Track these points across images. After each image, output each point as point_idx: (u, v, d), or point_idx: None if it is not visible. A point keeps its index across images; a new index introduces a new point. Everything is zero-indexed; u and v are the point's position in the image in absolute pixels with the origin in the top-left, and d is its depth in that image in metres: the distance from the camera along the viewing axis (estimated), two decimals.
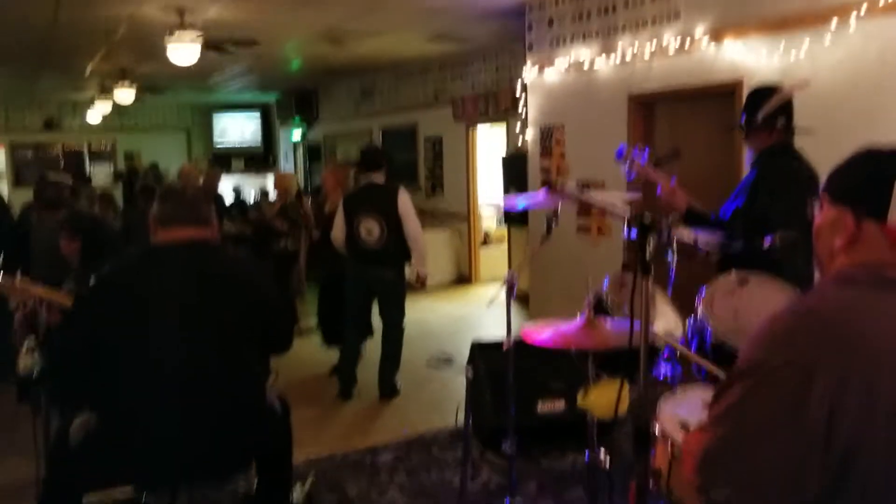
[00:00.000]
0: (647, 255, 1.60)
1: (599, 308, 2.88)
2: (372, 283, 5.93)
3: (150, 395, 2.61)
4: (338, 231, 5.94)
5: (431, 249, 7.03)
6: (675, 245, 1.68)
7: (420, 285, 6.09)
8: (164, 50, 7.59)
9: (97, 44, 9.10)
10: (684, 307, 3.06)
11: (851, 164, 1.60)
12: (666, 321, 2.91)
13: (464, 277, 11.21)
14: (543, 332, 2.53)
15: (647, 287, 1.59)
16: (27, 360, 3.16)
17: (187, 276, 2.65)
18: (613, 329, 2.53)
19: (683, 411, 2.30)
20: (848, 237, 1.53)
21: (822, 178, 3.51)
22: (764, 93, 3.69)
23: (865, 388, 1.34)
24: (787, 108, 3.61)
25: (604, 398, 2.57)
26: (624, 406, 2.07)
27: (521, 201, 2.94)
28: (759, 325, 1.56)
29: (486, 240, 11.56)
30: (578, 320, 2.61)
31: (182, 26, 7.31)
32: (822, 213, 1.63)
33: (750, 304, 2.87)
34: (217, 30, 8.01)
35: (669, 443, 2.15)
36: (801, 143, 3.72)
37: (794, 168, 3.53)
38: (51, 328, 3.17)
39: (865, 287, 1.48)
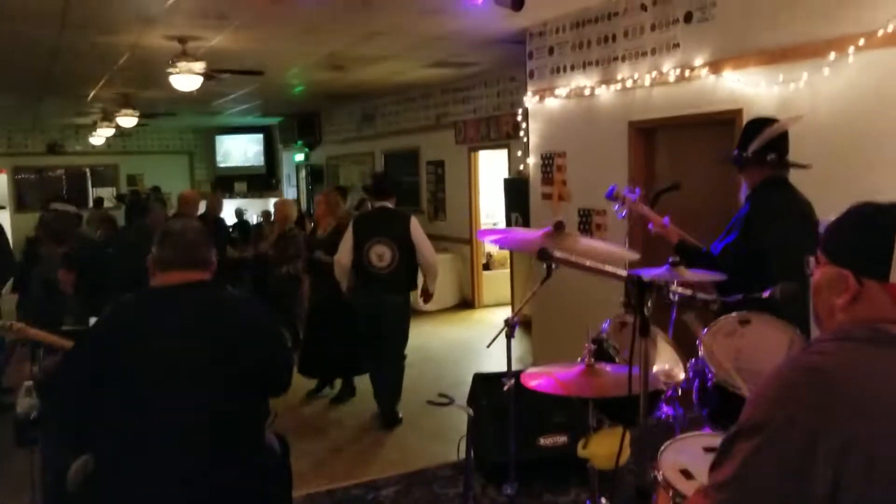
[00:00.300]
0: (646, 313, 1.59)
1: (601, 350, 2.86)
2: (379, 308, 5.91)
3: (148, 438, 2.59)
4: (344, 255, 5.90)
5: None
6: (674, 298, 1.68)
7: (424, 301, 6.25)
8: (166, 77, 7.63)
9: (100, 71, 9.15)
10: (685, 347, 3.05)
11: (848, 222, 1.58)
12: (666, 362, 2.89)
13: (466, 302, 11.20)
14: (543, 379, 2.51)
15: (645, 347, 1.58)
16: (25, 401, 3.14)
17: (186, 319, 2.64)
18: (613, 374, 2.50)
19: (685, 458, 2.28)
20: (850, 297, 1.52)
21: (819, 209, 3.53)
22: (757, 126, 3.66)
23: (868, 452, 1.33)
24: (779, 142, 3.56)
25: (604, 448, 2.55)
26: (625, 457, 2.04)
27: (494, 237, 2.91)
28: (761, 382, 1.54)
29: (489, 263, 11.56)
30: (578, 366, 2.59)
31: (184, 54, 7.35)
32: (821, 271, 1.61)
33: (751, 344, 2.86)
34: (220, 58, 8.06)
35: (671, 490, 2.14)
36: (799, 172, 3.70)
37: (788, 202, 3.50)
38: (47, 371, 3.17)
39: (867, 344, 1.47)
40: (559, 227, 2.37)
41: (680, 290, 1.71)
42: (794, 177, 3.74)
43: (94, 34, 6.97)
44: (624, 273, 1.63)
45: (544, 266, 2.63)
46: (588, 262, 1.67)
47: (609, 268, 1.62)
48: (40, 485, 3.31)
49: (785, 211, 3.45)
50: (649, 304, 1.58)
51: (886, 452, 1.33)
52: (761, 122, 3.68)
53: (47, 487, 3.17)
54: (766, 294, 1.73)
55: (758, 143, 3.56)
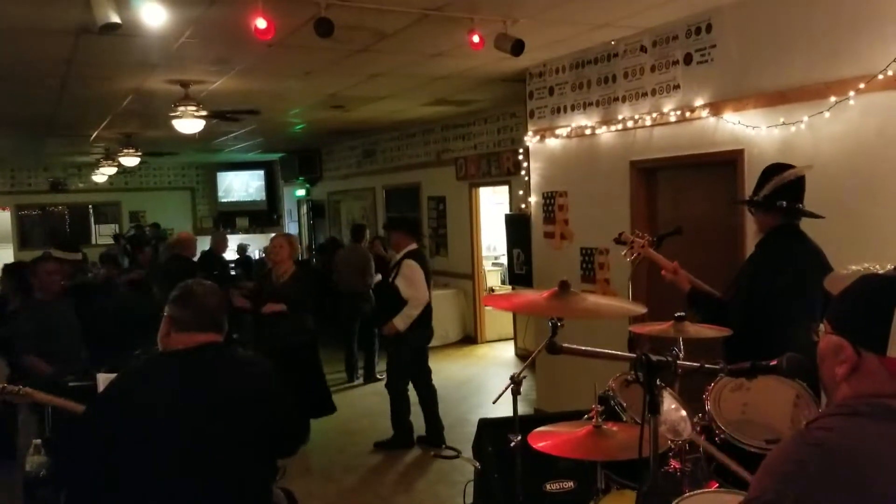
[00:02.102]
0: (655, 394, 1.59)
1: (607, 408, 2.86)
2: (430, 336, 6.63)
3: (156, 501, 2.59)
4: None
5: (437, 309, 7.33)
6: (679, 371, 1.69)
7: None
8: (168, 117, 7.70)
9: (103, 113, 9.24)
10: (692, 401, 3.05)
11: (850, 294, 1.60)
12: (673, 418, 2.89)
13: (469, 337, 11.18)
14: (550, 440, 2.51)
15: (655, 426, 1.59)
16: (34, 459, 3.14)
17: (199, 383, 2.63)
18: (621, 435, 2.49)
19: None
20: (849, 367, 1.53)
21: (828, 255, 3.53)
22: (772, 171, 3.68)
23: None
24: (790, 190, 3.57)
25: None
26: None
27: (501, 303, 2.93)
28: (770, 455, 1.55)
29: None
30: (585, 426, 2.58)
31: (187, 98, 7.42)
32: (825, 339, 1.63)
33: (757, 398, 2.86)
34: (222, 99, 8.13)
35: None
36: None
37: (794, 254, 3.51)
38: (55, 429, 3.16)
39: (870, 419, 1.48)
40: (564, 286, 2.38)
41: (686, 364, 1.72)
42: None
43: (99, 78, 7.04)
44: (632, 355, 1.65)
45: (549, 324, 2.63)
46: (597, 350, 1.69)
47: (617, 353, 1.64)
48: None
49: (790, 265, 3.46)
50: (658, 381, 1.60)
51: None
52: (777, 168, 3.69)
53: None
54: (772, 363, 1.74)
55: (768, 189, 3.58)
